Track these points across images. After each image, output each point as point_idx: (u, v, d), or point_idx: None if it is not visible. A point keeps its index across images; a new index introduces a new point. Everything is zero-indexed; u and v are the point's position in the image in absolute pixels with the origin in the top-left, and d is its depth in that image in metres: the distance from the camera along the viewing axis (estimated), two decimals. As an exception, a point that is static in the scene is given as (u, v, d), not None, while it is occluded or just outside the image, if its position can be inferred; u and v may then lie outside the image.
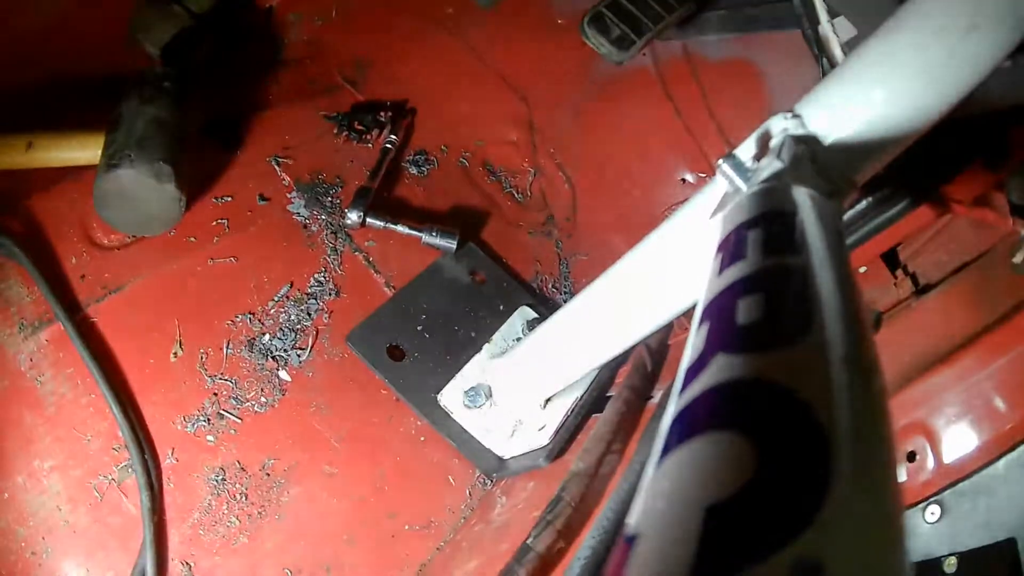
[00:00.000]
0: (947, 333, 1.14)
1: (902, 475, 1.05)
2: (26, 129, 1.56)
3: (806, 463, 0.45)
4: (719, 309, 0.65)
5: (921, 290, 1.30)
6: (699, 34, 1.85)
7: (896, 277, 1.36)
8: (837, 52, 1.34)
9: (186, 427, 1.45)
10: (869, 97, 0.89)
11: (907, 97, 0.86)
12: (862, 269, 1.39)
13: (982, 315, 1.12)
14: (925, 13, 0.85)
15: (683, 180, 1.86)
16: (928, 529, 0.99)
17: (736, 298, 0.64)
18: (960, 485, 0.99)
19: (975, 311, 1.17)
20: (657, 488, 0.50)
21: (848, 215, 1.26)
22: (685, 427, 0.53)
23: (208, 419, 1.47)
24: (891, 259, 1.38)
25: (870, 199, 1.24)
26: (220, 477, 1.44)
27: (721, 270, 0.71)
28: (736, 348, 0.57)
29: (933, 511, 0.99)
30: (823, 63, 1.36)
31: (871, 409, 0.51)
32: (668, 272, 1.19)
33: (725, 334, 0.61)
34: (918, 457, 1.05)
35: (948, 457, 1.02)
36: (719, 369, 0.56)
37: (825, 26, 1.35)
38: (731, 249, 0.74)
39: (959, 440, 1.02)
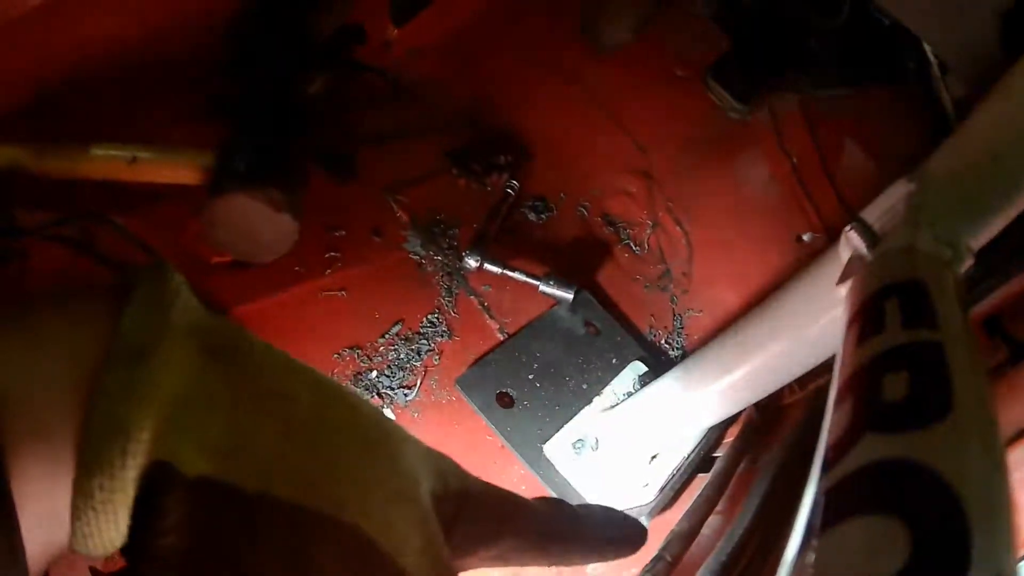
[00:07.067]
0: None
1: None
2: (130, 141, 1.54)
3: (951, 549, 0.45)
4: (862, 385, 0.64)
5: (1018, 355, 1.25)
6: (814, 88, 1.84)
7: (993, 342, 1.30)
8: (949, 109, 1.33)
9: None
10: (988, 161, 0.88)
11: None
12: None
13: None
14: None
15: (798, 238, 1.83)
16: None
17: (880, 374, 0.63)
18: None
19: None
20: (814, 568, 0.50)
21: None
22: (838, 508, 0.52)
23: (310, 451, 1.45)
24: (992, 323, 1.33)
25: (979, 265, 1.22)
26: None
27: (860, 343, 0.70)
28: (884, 427, 0.56)
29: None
30: (935, 120, 1.35)
31: (1003, 492, 0.51)
32: (788, 338, 1.17)
33: (872, 411, 0.60)
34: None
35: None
36: (868, 448, 0.55)
37: (937, 83, 1.34)
38: (868, 321, 0.73)
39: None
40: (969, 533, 0.45)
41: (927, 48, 1.35)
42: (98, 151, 1.51)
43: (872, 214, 0.96)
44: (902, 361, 0.63)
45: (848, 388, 0.66)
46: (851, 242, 0.93)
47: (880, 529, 0.47)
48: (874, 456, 0.54)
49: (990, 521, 0.47)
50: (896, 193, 0.94)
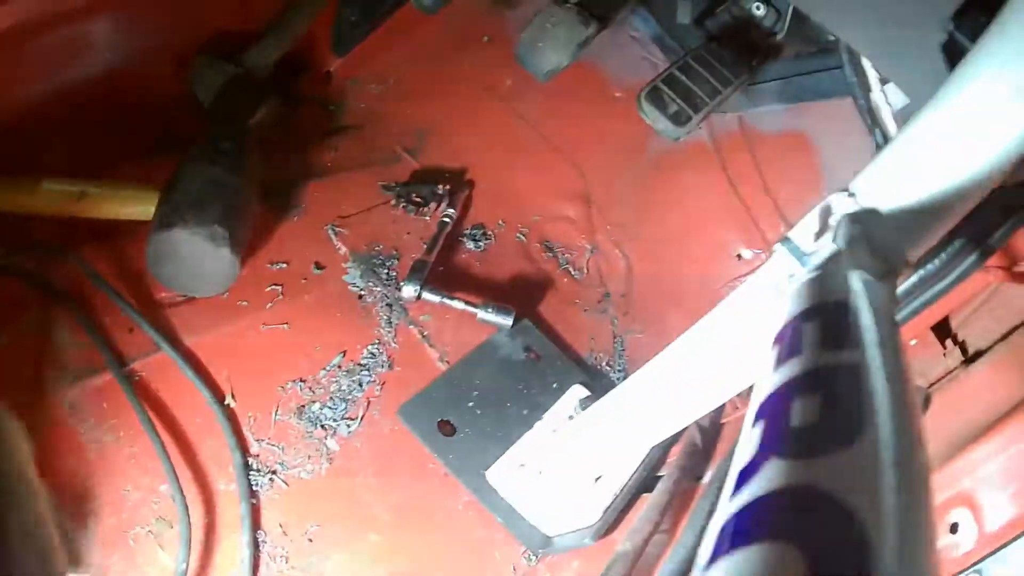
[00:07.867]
0: (993, 402, 1.14)
1: (945, 548, 1.05)
2: (80, 177, 1.58)
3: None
4: (774, 409, 0.65)
5: (970, 359, 1.29)
6: (753, 105, 1.85)
7: (945, 347, 1.34)
8: (889, 121, 1.33)
9: (229, 487, 1.44)
10: (923, 172, 0.87)
11: (961, 169, 0.85)
12: (912, 342, 1.37)
13: (1027, 381, 1.11)
14: (972, 81, 0.84)
15: (738, 256, 1.85)
16: (965, 597, 0.99)
17: (791, 398, 0.63)
18: (999, 552, 0.98)
19: (1020, 378, 1.17)
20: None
21: (900, 290, 1.25)
22: (738, 534, 0.53)
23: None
24: (942, 329, 1.36)
25: (921, 273, 1.23)
26: (261, 539, 1.42)
27: (777, 365, 0.70)
28: (789, 453, 0.56)
29: (971, 579, 0.99)
30: (875, 132, 1.35)
31: (917, 519, 0.51)
32: (723, 356, 1.17)
33: (779, 437, 0.60)
34: (960, 528, 1.04)
35: (989, 526, 1.01)
36: (772, 475, 0.55)
37: (877, 94, 1.34)
38: (787, 343, 0.72)
39: (1000, 509, 1.01)
40: (870, 562, 0.46)
41: (866, 62, 1.36)
42: (50, 186, 1.52)
43: (803, 230, 0.96)
44: (815, 385, 0.63)
45: (760, 412, 0.66)
46: (781, 260, 0.93)
47: (778, 557, 0.48)
48: (777, 483, 0.54)
49: (899, 548, 0.47)
50: (829, 207, 0.95)
